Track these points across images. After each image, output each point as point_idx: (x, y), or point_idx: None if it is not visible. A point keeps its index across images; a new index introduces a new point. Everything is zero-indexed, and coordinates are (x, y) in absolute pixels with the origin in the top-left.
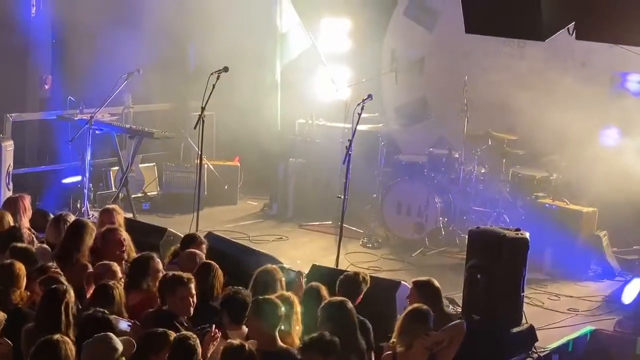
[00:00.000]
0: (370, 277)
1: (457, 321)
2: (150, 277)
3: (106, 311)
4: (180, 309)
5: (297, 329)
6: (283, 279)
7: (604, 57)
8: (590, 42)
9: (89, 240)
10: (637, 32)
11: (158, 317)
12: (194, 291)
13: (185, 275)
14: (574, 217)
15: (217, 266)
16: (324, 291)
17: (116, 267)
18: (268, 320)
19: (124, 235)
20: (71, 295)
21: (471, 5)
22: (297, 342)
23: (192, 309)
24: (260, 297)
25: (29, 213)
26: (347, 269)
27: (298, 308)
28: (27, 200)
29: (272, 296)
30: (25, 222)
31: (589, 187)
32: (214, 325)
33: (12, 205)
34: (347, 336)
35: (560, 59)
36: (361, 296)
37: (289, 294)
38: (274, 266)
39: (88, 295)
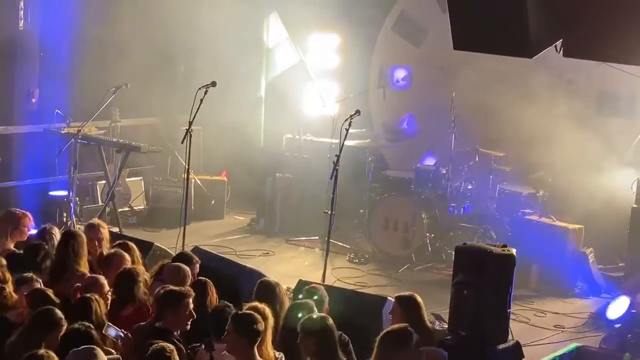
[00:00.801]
0: (357, 292)
1: (437, 350)
2: (137, 285)
3: (90, 325)
4: (177, 324)
5: (268, 340)
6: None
7: (591, 74)
8: (578, 59)
9: (83, 250)
10: (624, 49)
11: (151, 333)
12: (192, 305)
13: (186, 289)
14: (560, 234)
15: (212, 284)
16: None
17: (103, 280)
18: (246, 335)
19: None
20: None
21: (459, 21)
22: (272, 354)
23: (188, 324)
24: (240, 312)
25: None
26: (334, 285)
27: (271, 320)
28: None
29: (247, 309)
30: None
31: (575, 204)
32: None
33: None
34: (327, 352)
35: (547, 76)
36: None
37: (262, 305)
38: (275, 281)
39: None
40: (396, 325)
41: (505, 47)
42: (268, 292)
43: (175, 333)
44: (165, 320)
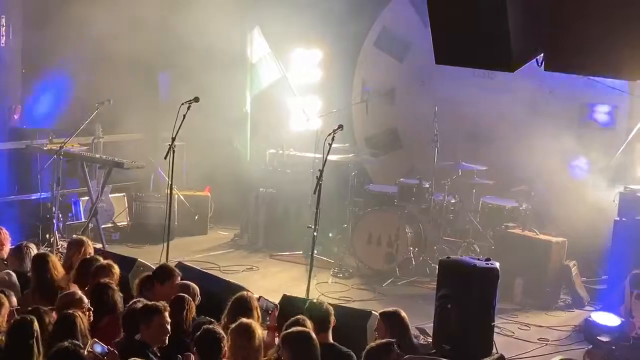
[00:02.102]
0: (341, 307)
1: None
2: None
3: (76, 342)
4: (155, 339)
5: None
6: (258, 306)
7: (572, 88)
8: (559, 72)
9: (57, 269)
10: (604, 63)
11: (130, 347)
12: (169, 319)
13: (160, 303)
14: (543, 247)
15: (191, 299)
16: (308, 324)
17: (80, 294)
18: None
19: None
20: (36, 327)
21: (441, 36)
22: None
23: (167, 338)
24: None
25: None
26: (318, 299)
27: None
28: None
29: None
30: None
31: (558, 217)
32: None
33: None
34: None
35: (529, 89)
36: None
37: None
38: (250, 294)
39: None
40: (379, 341)
41: (487, 61)
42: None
43: (154, 348)
44: (143, 335)
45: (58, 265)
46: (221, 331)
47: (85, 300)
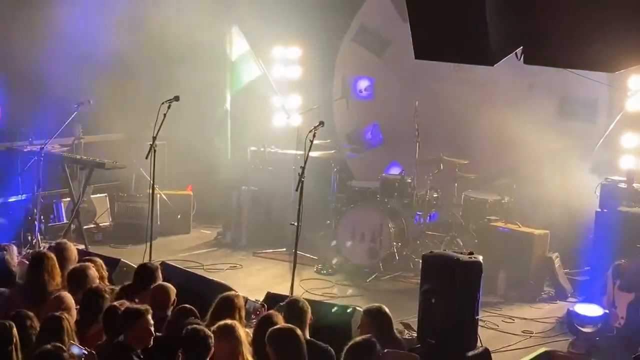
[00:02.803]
0: (326, 303)
1: (410, 354)
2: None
3: (58, 345)
4: (139, 341)
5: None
6: (243, 306)
7: (552, 81)
8: (539, 66)
9: (56, 270)
10: (583, 56)
11: (114, 349)
12: (152, 321)
13: (143, 306)
14: (526, 240)
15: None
16: (280, 319)
17: (69, 298)
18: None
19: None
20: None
21: (420, 31)
22: None
23: (152, 339)
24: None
25: None
26: (303, 296)
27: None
28: None
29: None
30: None
31: (540, 209)
32: None
33: None
34: None
35: (509, 82)
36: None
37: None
38: (236, 293)
39: None
40: (360, 337)
41: (466, 55)
42: (226, 306)
43: (138, 350)
44: (126, 337)
45: (55, 270)
46: (207, 330)
47: (74, 305)
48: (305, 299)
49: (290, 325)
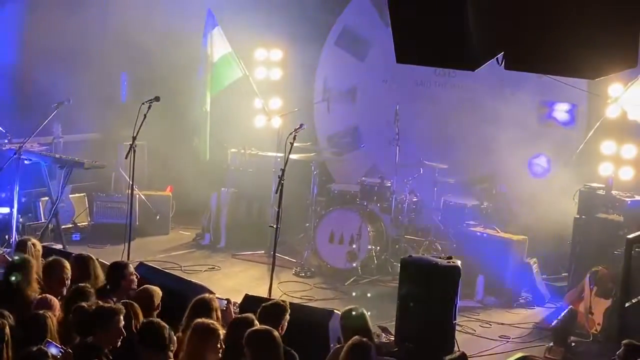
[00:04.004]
0: (303, 306)
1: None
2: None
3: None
4: (109, 341)
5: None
6: (219, 308)
7: (532, 87)
8: (519, 71)
9: (33, 275)
10: (563, 62)
11: (83, 350)
12: (122, 322)
13: (116, 306)
14: (504, 245)
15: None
16: (255, 321)
17: (54, 300)
18: None
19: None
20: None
21: (402, 35)
22: None
23: (119, 341)
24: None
25: None
26: (280, 298)
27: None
28: None
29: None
30: None
31: (519, 215)
32: None
33: None
34: None
35: (489, 88)
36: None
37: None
38: (211, 295)
39: None
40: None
41: (448, 60)
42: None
43: (106, 350)
44: (95, 337)
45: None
46: (162, 322)
47: (58, 307)
48: (283, 301)
49: (267, 327)
